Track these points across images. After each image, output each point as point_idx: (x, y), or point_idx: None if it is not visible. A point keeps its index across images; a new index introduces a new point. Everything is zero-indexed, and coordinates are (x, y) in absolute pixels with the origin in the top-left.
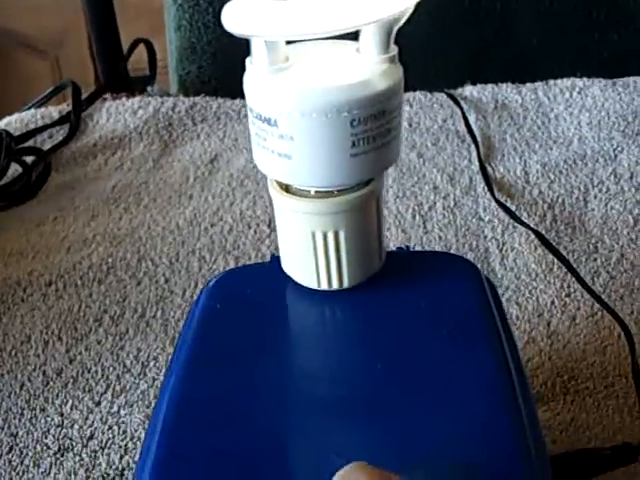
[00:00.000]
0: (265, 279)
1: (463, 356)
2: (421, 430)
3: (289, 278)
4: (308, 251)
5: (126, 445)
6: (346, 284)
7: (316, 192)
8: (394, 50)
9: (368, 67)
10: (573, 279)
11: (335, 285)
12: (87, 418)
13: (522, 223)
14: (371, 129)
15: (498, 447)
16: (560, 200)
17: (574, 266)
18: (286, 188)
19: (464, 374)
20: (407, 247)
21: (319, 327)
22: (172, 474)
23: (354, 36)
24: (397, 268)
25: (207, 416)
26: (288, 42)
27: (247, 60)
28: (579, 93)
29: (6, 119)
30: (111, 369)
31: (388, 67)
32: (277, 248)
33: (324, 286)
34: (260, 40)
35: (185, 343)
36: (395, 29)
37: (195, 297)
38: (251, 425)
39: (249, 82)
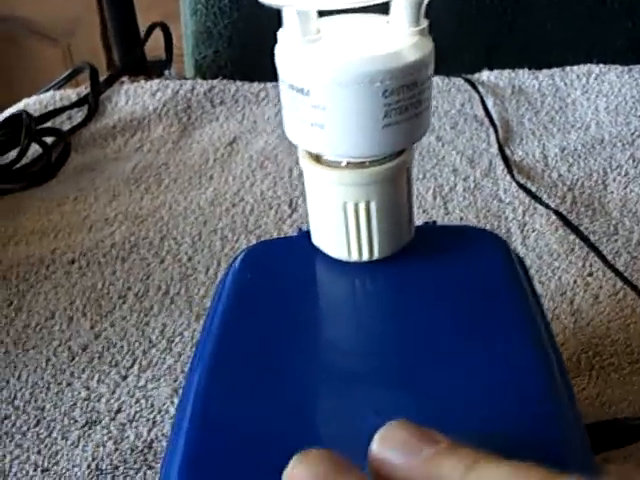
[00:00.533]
0: (295, 251)
1: (496, 325)
2: (458, 396)
3: (319, 250)
4: (339, 222)
5: (154, 418)
6: (376, 255)
7: (348, 163)
8: (424, 23)
9: (399, 39)
10: (595, 259)
11: (366, 256)
12: (114, 392)
13: (543, 204)
14: (403, 99)
15: (535, 411)
16: (579, 183)
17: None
18: (317, 159)
19: (498, 343)
20: (434, 222)
21: (351, 298)
22: (209, 441)
23: (383, 9)
24: (426, 241)
25: (241, 385)
26: (319, 15)
27: (279, 32)
28: (595, 79)
29: (24, 101)
30: (137, 344)
31: (419, 39)
32: (299, 228)
33: (354, 257)
34: (292, 10)
35: (216, 314)
36: (425, 1)
37: (219, 275)
38: (285, 395)
39: (281, 53)
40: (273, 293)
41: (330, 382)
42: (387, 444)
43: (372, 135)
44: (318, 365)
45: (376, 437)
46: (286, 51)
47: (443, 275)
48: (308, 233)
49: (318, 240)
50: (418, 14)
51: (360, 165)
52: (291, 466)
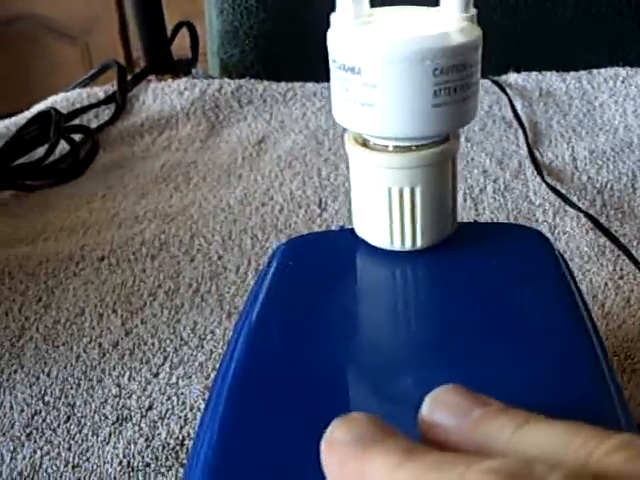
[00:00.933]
0: (337, 242)
1: (543, 317)
2: (506, 388)
3: (360, 242)
4: (383, 208)
5: (186, 415)
6: (419, 244)
7: (395, 147)
8: (473, 11)
9: (449, 23)
10: (626, 262)
11: (408, 245)
12: (145, 389)
13: (574, 206)
14: (452, 80)
15: (587, 404)
16: (609, 186)
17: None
18: (364, 145)
19: (547, 335)
20: (475, 221)
21: (393, 287)
22: (240, 431)
23: (434, 3)
24: (470, 236)
25: (278, 369)
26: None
27: (332, 15)
28: (623, 82)
29: (51, 98)
30: (168, 342)
31: (468, 24)
32: (340, 226)
33: (397, 246)
34: None
35: (256, 301)
36: None
37: (249, 274)
38: (324, 382)
39: (334, 34)
40: (314, 281)
41: (372, 370)
42: (438, 406)
43: (421, 114)
44: (359, 353)
45: (427, 400)
46: (338, 32)
47: (488, 268)
48: (349, 229)
49: (361, 229)
50: (468, 1)
51: (407, 149)
52: (330, 430)
